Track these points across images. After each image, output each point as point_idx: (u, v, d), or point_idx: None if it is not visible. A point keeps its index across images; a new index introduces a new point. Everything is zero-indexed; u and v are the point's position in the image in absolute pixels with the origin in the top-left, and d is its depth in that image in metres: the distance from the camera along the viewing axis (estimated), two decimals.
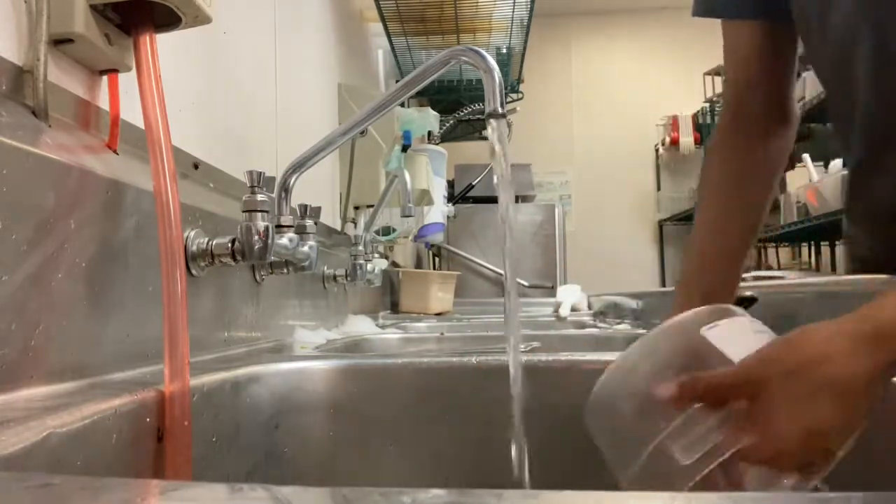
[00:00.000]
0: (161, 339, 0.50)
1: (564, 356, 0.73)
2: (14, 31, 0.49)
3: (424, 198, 2.01)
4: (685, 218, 4.75)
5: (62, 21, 0.51)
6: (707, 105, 4.30)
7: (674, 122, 4.58)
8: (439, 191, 2.22)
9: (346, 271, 1.32)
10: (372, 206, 1.57)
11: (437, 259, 3.04)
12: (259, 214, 0.67)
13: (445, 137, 2.79)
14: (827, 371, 0.42)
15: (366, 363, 0.74)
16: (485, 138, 0.66)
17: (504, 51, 2.55)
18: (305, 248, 0.87)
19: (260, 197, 0.67)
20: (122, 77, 0.59)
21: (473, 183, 2.95)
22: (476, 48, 0.67)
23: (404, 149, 1.84)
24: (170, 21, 0.57)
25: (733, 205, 0.78)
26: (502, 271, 0.57)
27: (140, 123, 0.55)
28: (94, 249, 0.52)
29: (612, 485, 0.51)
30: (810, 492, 0.45)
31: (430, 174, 1.99)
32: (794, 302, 0.80)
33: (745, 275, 0.85)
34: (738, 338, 0.49)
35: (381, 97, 0.77)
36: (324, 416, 0.71)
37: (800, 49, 0.78)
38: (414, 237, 2.20)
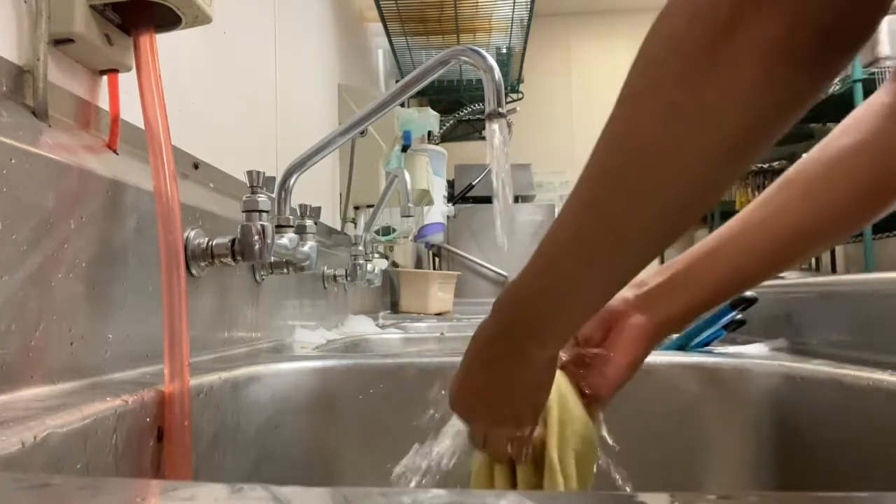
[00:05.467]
0: (161, 339, 0.50)
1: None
2: (14, 31, 0.49)
3: (424, 198, 2.01)
4: None
5: (62, 21, 0.51)
6: None
7: None
8: (439, 191, 2.22)
9: (346, 271, 1.32)
10: (372, 206, 1.57)
11: (437, 259, 3.04)
12: (259, 214, 0.67)
13: (445, 137, 2.79)
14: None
15: (366, 363, 0.74)
16: (485, 138, 0.66)
17: (504, 51, 2.55)
18: (305, 248, 0.87)
19: (260, 197, 0.67)
20: (122, 77, 0.59)
21: (473, 183, 2.95)
22: (476, 48, 0.67)
23: (404, 149, 1.84)
24: (170, 21, 0.57)
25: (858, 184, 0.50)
26: (503, 271, 0.57)
27: (140, 123, 0.55)
28: (94, 249, 0.52)
29: (612, 485, 0.51)
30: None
31: (430, 174, 1.99)
32: (794, 302, 0.80)
33: None
34: None
35: (381, 97, 0.77)
36: (324, 416, 0.71)
37: None
38: (414, 237, 2.20)
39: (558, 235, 0.39)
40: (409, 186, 1.27)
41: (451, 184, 2.89)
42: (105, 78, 0.59)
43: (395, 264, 2.30)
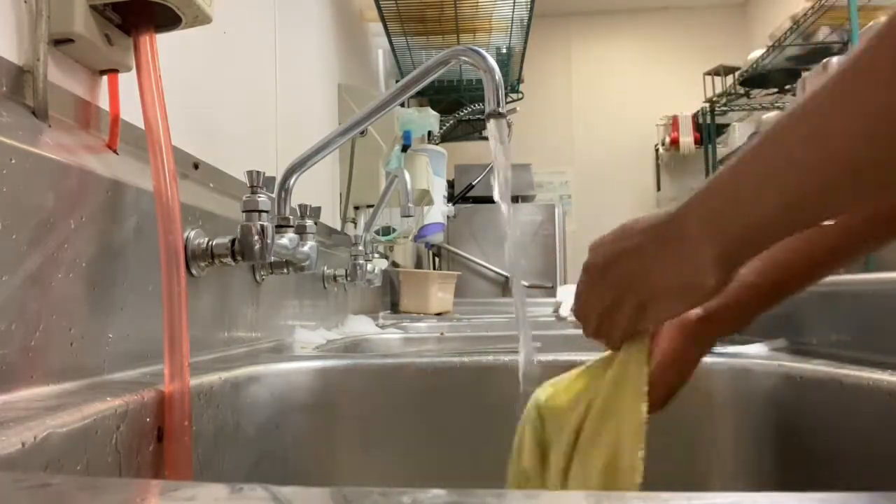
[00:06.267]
0: (161, 339, 0.50)
1: (564, 356, 0.73)
2: (14, 31, 0.49)
3: (424, 198, 2.01)
4: None
5: (62, 21, 0.51)
6: (707, 105, 4.30)
7: (674, 122, 4.58)
8: (439, 191, 2.22)
9: (346, 271, 1.32)
10: (372, 206, 1.57)
11: (437, 259, 3.04)
12: (259, 214, 0.67)
13: (445, 137, 2.79)
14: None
15: (366, 363, 0.74)
16: (485, 138, 0.66)
17: (504, 51, 2.55)
18: (305, 248, 0.87)
19: (260, 197, 0.67)
20: (122, 77, 0.59)
21: (473, 183, 2.95)
22: (476, 48, 0.67)
23: (404, 149, 1.84)
24: (170, 21, 0.57)
25: None
26: (503, 272, 0.57)
27: (140, 123, 0.55)
28: (94, 249, 0.52)
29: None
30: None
31: (430, 174, 1.99)
32: (795, 302, 0.80)
33: None
34: None
35: (381, 97, 0.77)
36: (324, 416, 0.71)
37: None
38: (414, 237, 2.20)
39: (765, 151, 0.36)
40: (409, 186, 1.27)
41: (451, 184, 2.89)
42: (105, 78, 0.59)
43: (395, 264, 2.30)
